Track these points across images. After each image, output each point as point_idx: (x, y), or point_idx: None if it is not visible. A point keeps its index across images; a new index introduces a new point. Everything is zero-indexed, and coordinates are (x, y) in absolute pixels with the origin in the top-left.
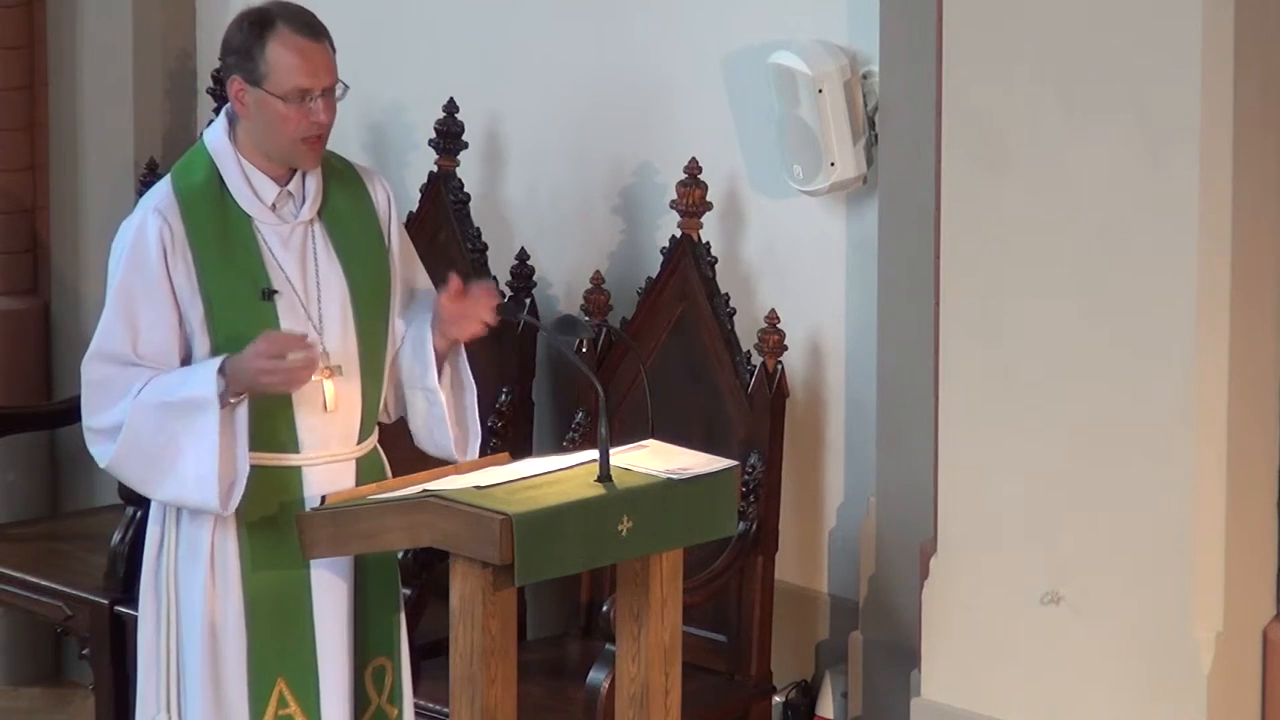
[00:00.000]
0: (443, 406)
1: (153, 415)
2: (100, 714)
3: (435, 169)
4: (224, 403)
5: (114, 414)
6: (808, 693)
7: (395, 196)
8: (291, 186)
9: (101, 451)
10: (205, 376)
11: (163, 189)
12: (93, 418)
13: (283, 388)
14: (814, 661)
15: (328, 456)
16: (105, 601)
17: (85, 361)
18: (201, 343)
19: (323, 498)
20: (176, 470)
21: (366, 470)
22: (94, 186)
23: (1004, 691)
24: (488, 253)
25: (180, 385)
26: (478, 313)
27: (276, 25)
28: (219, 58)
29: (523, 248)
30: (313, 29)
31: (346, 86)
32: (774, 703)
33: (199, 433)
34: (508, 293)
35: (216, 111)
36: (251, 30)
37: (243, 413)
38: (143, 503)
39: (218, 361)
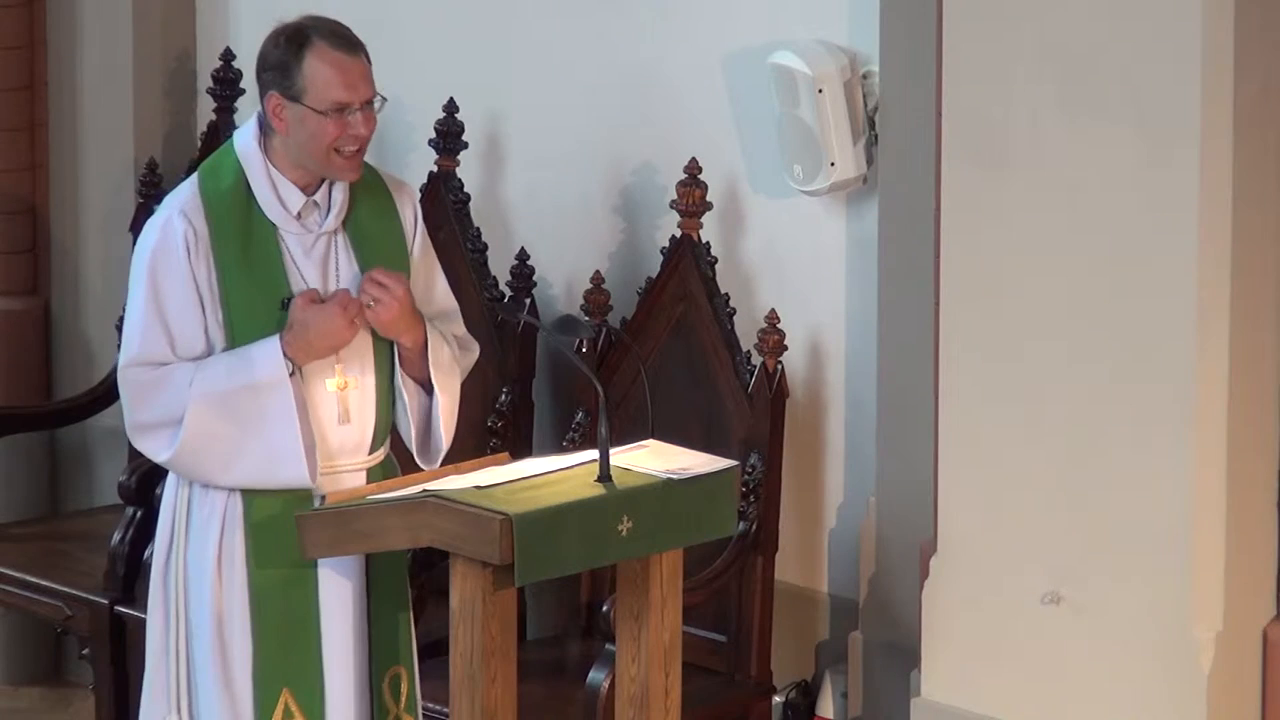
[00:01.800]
0: (405, 403)
1: (218, 406)
2: (100, 714)
3: (435, 169)
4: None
5: (163, 407)
6: (808, 693)
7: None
8: (318, 196)
9: (155, 447)
10: (269, 358)
11: (189, 190)
12: (140, 413)
13: (338, 334)
14: (814, 661)
15: (339, 467)
16: (105, 601)
17: (123, 368)
18: (219, 347)
19: (322, 497)
20: (257, 453)
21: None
22: (94, 186)
23: (1004, 691)
24: (488, 253)
25: (243, 371)
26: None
27: (313, 40)
28: (255, 74)
29: (523, 248)
30: (349, 43)
31: (384, 99)
32: (774, 703)
33: (277, 413)
34: (508, 293)
35: (216, 112)
36: (288, 46)
37: (299, 384)
38: (144, 503)
39: (276, 340)
